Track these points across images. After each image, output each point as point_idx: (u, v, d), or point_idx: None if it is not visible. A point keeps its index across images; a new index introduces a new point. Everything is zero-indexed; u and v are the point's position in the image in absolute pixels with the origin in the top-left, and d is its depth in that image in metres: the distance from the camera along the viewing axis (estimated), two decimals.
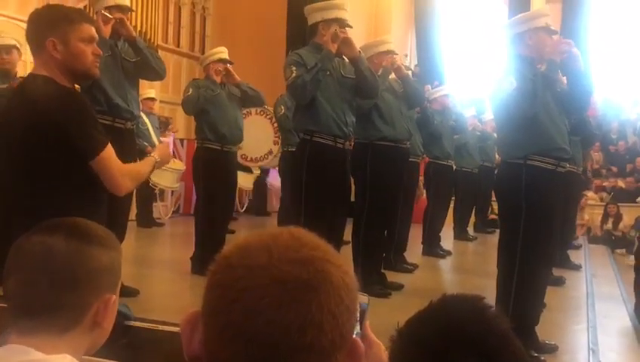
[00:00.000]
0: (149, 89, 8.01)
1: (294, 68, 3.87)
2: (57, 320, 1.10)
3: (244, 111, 5.42)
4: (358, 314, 0.86)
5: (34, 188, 2.12)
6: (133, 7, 8.64)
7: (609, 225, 10.32)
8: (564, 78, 3.46)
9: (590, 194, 10.89)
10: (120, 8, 3.98)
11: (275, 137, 7.93)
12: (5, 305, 1.60)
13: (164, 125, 9.42)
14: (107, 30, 3.85)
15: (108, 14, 3.87)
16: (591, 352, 3.48)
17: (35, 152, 2.10)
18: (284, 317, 0.70)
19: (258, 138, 7.24)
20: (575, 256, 6.52)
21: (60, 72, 2.18)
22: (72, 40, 2.17)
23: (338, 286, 0.74)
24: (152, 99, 8.20)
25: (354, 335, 0.84)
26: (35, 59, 2.22)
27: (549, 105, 3.32)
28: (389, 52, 4.73)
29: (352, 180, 4.63)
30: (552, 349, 3.41)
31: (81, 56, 2.19)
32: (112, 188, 2.14)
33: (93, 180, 2.19)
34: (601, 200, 11.01)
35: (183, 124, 10.18)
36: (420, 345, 0.84)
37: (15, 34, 5.25)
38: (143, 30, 9.60)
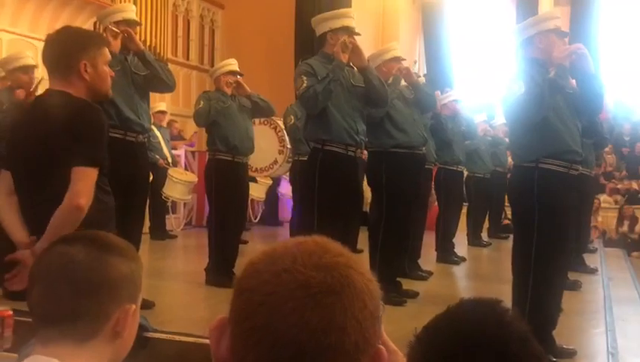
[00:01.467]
0: (159, 102, 8.06)
1: (305, 78, 3.89)
2: (78, 328, 1.11)
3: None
4: None
5: (53, 193, 2.17)
6: (142, 22, 8.75)
7: (624, 228, 10.22)
8: (574, 81, 3.45)
9: (604, 197, 10.81)
10: (127, 22, 4.03)
11: (280, 147, 7.94)
12: (25, 319, 1.62)
13: (179, 137, 9.49)
14: (116, 45, 3.89)
15: (116, 29, 3.91)
16: (610, 356, 3.44)
17: (56, 159, 2.17)
18: (308, 320, 0.72)
19: (263, 148, 7.24)
20: (591, 260, 6.46)
21: (85, 92, 2.27)
22: (100, 63, 2.29)
23: (361, 292, 0.76)
24: (163, 112, 8.26)
25: None
26: (57, 78, 2.28)
27: (560, 108, 3.31)
28: (397, 58, 4.74)
29: (369, 190, 4.62)
30: (571, 354, 3.38)
31: (106, 79, 2.32)
32: (71, 198, 2.13)
33: (104, 187, 2.26)
34: (616, 202, 10.92)
35: (195, 138, 10.22)
36: (439, 349, 0.84)
37: (27, 52, 5.31)
38: (153, 44, 9.68)
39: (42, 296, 1.14)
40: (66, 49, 2.28)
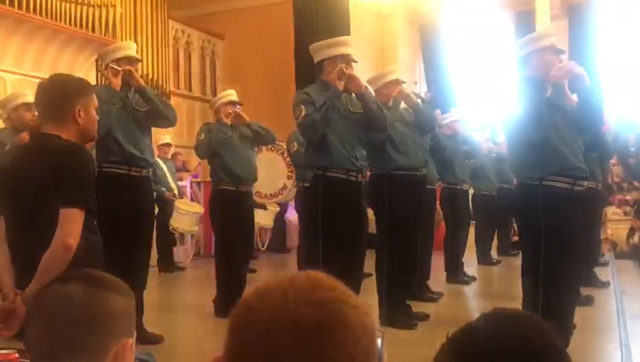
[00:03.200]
0: (164, 135, 8.12)
1: (303, 107, 3.91)
2: None
3: (255, 149, 5.48)
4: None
5: (42, 234, 2.21)
6: (144, 56, 8.85)
7: (635, 240, 10.12)
8: (574, 96, 3.46)
9: (613, 208, 10.73)
10: (128, 60, 4.08)
11: (289, 172, 7.96)
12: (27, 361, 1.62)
13: (183, 168, 9.52)
14: (117, 82, 3.94)
15: (117, 67, 3.96)
16: None
17: (45, 198, 2.22)
18: (300, 357, 0.71)
19: (271, 174, 7.27)
20: (602, 274, 6.39)
21: (75, 136, 2.35)
22: (91, 108, 2.39)
23: (354, 327, 0.75)
24: (168, 145, 8.31)
25: None
26: (50, 123, 2.36)
27: (560, 127, 3.31)
28: (397, 81, 4.76)
29: (372, 213, 4.62)
30: None
31: (95, 123, 2.42)
32: (59, 239, 2.17)
33: (91, 227, 2.31)
34: (625, 214, 10.84)
35: (199, 169, 10.27)
36: (475, 356, 0.82)
37: (32, 91, 5.36)
38: (155, 78, 9.77)
39: (41, 334, 1.16)
40: (61, 95, 2.37)
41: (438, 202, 6.45)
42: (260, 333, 0.73)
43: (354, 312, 0.76)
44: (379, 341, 0.93)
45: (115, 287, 1.22)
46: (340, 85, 3.95)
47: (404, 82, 4.95)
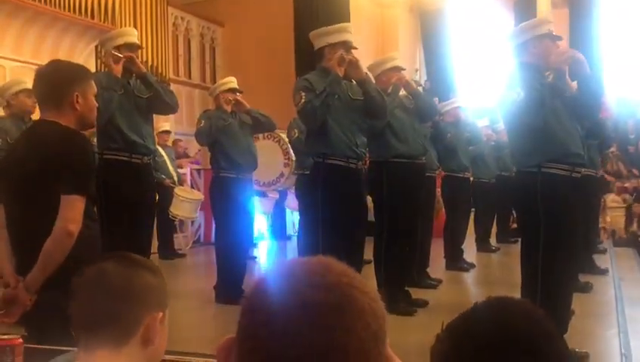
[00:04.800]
0: (163, 122, 8.11)
1: (303, 93, 3.91)
2: (113, 331, 1.26)
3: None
4: None
5: (42, 221, 2.23)
6: (143, 43, 8.81)
7: (634, 227, 10.15)
8: (574, 82, 3.46)
9: (612, 196, 10.74)
10: (129, 47, 4.07)
11: (285, 160, 7.96)
12: (34, 346, 1.66)
13: (185, 155, 9.53)
14: (118, 69, 3.94)
15: (118, 54, 3.96)
16: (623, 358, 3.42)
17: (46, 185, 2.22)
18: (310, 340, 0.72)
19: (268, 162, 7.26)
20: (601, 261, 6.42)
21: (74, 122, 2.33)
22: (89, 95, 2.37)
23: (364, 312, 0.75)
24: (167, 132, 8.30)
25: None
26: (49, 109, 2.35)
27: (559, 112, 3.31)
28: (397, 68, 4.75)
29: (370, 200, 4.63)
30: (584, 357, 3.36)
31: (93, 110, 2.41)
32: (61, 225, 2.19)
33: (91, 214, 2.32)
34: (624, 201, 10.85)
35: (199, 156, 10.28)
36: (469, 344, 0.84)
37: (31, 78, 5.35)
38: (155, 65, 9.75)
39: (81, 305, 1.30)
40: (59, 81, 2.36)
41: (438, 189, 6.46)
42: (270, 314, 0.74)
43: (364, 297, 0.77)
44: None
45: (146, 266, 1.36)
46: (340, 71, 3.95)
47: (405, 69, 4.95)
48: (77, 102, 2.32)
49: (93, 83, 2.42)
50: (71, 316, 1.31)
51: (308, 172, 4.86)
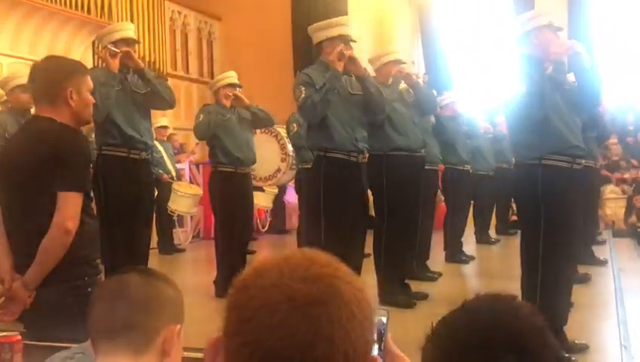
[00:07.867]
0: (161, 117, 8.09)
1: (303, 88, 3.90)
2: (132, 341, 1.29)
3: None
4: (376, 334, 0.86)
5: (40, 219, 2.23)
6: (141, 38, 8.79)
7: (633, 218, 10.15)
8: (572, 75, 3.45)
9: (611, 187, 10.75)
10: (126, 41, 4.05)
11: (282, 154, 7.94)
12: (33, 343, 1.66)
13: (180, 150, 9.51)
14: (115, 64, 3.92)
15: (115, 48, 3.94)
16: (623, 349, 3.42)
17: (42, 183, 2.22)
18: (295, 332, 0.73)
19: (265, 157, 7.25)
20: (600, 252, 6.43)
21: (69, 119, 2.31)
22: (84, 90, 2.34)
23: (349, 302, 0.76)
24: (165, 127, 8.29)
25: (375, 354, 0.85)
26: (44, 105, 2.33)
27: (559, 105, 3.31)
28: (397, 61, 4.74)
29: (370, 193, 4.63)
30: (583, 348, 3.36)
31: (89, 105, 2.37)
32: (59, 223, 2.18)
33: (88, 211, 2.32)
34: (623, 192, 10.86)
35: (197, 149, 10.26)
36: (456, 343, 0.84)
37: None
38: (152, 60, 9.71)
39: (102, 313, 1.32)
40: (53, 77, 2.32)
41: (440, 182, 6.46)
42: (256, 310, 0.75)
43: (348, 287, 0.77)
44: (384, 319, 0.94)
45: (165, 279, 1.41)
46: (340, 67, 3.94)
47: (405, 63, 4.94)
48: (71, 98, 2.28)
49: (88, 78, 2.38)
50: (89, 323, 1.34)
51: (309, 166, 4.86)
